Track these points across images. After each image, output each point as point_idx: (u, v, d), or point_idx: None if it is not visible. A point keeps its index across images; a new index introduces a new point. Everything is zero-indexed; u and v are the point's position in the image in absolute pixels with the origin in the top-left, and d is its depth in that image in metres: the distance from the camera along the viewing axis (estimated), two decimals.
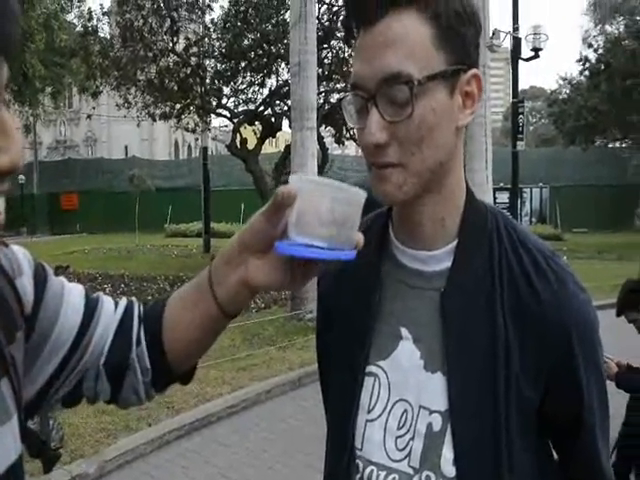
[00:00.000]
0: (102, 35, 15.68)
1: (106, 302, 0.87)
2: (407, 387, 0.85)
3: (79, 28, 17.44)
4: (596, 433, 0.84)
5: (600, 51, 23.09)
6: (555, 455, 0.89)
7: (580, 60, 23.38)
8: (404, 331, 0.87)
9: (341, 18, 0.85)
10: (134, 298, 0.91)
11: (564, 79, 26.64)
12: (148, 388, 0.86)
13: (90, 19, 15.66)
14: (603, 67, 22.02)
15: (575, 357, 0.80)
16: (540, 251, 0.84)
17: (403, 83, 0.74)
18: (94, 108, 21.91)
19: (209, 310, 0.80)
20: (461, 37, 0.78)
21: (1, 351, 0.68)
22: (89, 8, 16.18)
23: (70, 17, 20.40)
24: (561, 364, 0.80)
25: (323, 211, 0.69)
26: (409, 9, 0.75)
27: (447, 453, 0.80)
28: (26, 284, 0.76)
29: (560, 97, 26.43)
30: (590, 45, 24.28)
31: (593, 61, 22.94)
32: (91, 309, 0.84)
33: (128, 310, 0.87)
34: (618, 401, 2.91)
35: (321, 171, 12.57)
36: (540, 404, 0.81)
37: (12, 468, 0.66)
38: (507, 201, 18.01)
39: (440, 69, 0.76)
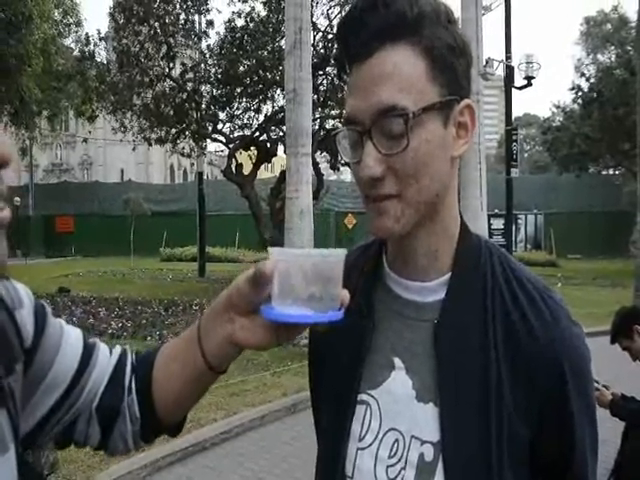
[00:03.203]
0: (99, 60, 15.85)
1: (102, 348, 0.88)
2: (399, 417, 0.85)
3: (76, 53, 17.63)
4: (587, 469, 0.84)
5: (592, 80, 23.43)
6: None
7: (573, 88, 23.71)
8: (397, 361, 0.87)
9: (333, 53, 0.86)
10: (127, 346, 0.93)
11: (557, 107, 26.95)
12: (136, 437, 0.86)
13: (87, 44, 15.84)
14: (595, 95, 22.32)
15: (567, 391, 0.80)
16: (535, 287, 0.84)
17: (398, 116, 0.75)
18: (90, 132, 22.08)
19: (196, 363, 0.80)
20: (454, 69, 0.79)
21: (0, 383, 0.69)
22: (86, 33, 16.37)
23: (67, 42, 20.61)
24: (553, 399, 0.80)
25: (304, 281, 0.69)
26: (402, 43, 0.76)
27: None
28: (26, 317, 0.77)
29: (553, 125, 26.71)
30: (582, 74, 24.66)
31: (585, 90, 23.25)
32: (88, 353, 0.85)
33: (122, 358, 0.88)
34: (611, 428, 2.91)
35: (316, 197, 12.62)
36: (532, 439, 0.80)
37: None
38: (502, 227, 18.08)
39: (434, 101, 0.77)
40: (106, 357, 0.87)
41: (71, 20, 20.25)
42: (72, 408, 0.82)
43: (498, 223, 18.70)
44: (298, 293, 0.70)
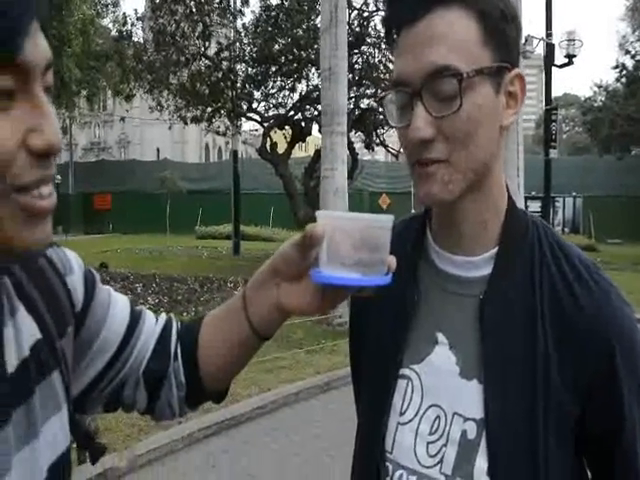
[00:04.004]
0: (136, 39, 16.01)
1: (148, 315, 0.91)
2: (441, 393, 0.84)
3: (114, 33, 17.85)
4: (637, 452, 0.81)
5: (638, 57, 22.66)
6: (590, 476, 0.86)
7: (616, 67, 23.02)
8: (440, 336, 0.86)
9: (382, 17, 0.85)
10: (172, 314, 0.95)
11: (599, 86, 26.21)
12: (182, 403, 0.89)
13: (125, 24, 16.02)
14: None
15: (618, 371, 0.77)
16: (584, 264, 0.82)
17: (451, 76, 0.73)
18: (127, 111, 22.36)
19: (242, 331, 0.82)
20: (505, 35, 0.77)
21: (53, 344, 0.72)
22: (124, 13, 16.56)
23: (105, 22, 20.85)
24: (603, 378, 0.78)
25: (352, 246, 0.69)
26: (455, 6, 0.75)
27: (481, 462, 0.79)
28: (76, 282, 0.80)
29: (595, 105, 26.00)
30: (627, 51, 23.84)
31: (630, 68, 22.54)
32: (135, 319, 0.88)
33: (168, 325, 0.90)
34: None
35: (351, 176, 12.59)
36: (579, 415, 0.79)
37: (62, 457, 0.70)
38: (539, 210, 17.76)
39: (487, 64, 0.76)
40: (152, 324, 0.89)
41: (109, 0, 20.43)
42: (120, 373, 0.85)
43: (535, 206, 18.39)
44: (346, 257, 0.69)
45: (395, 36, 0.80)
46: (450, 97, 0.74)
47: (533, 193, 18.17)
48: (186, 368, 0.87)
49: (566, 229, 24.27)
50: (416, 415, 0.86)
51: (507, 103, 0.80)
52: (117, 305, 0.86)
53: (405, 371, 0.88)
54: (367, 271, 0.70)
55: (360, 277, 0.70)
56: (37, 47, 0.55)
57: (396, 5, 0.79)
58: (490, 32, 0.76)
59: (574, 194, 24.73)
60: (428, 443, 0.84)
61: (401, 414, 0.87)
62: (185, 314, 8.92)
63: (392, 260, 0.72)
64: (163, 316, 0.93)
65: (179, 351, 0.88)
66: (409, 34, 0.77)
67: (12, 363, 0.65)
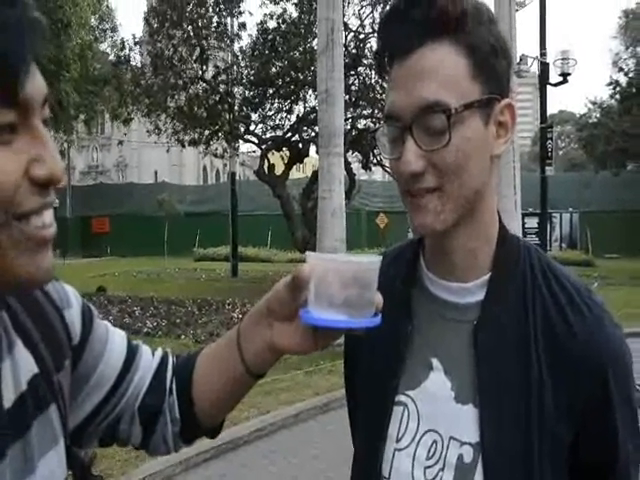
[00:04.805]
0: (134, 64, 16.16)
1: (145, 350, 0.91)
2: (437, 418, 0.84)
3: (112, 57, 17.99)
4: (630, 474, 0.82)
5: (631, 74, 22.88)
6: None
7: (610, 84, 23.22)
8: (435, 362, 0.87)
9: (375, 49, 0.86)
10: (169, 349, 0.95)
11: (594, 103, 26.41)
12: (176, 438, 0.88)
13: (123, 48, 16.17)
14: (634, 90, 21.80)
15: (611, 395, 0.78)
16: (575, 288, 0.83)
17: (440, 112, 0.75)
18: (125, 134, 22.44)
19: (236, 368, 0.82)
20: (494, 69, 0.79)
21: (50, 378, 0.72)
22: (122, 38, 16.74)
23: (103, 47, 21.06)
24: (596, 404, 0.79)
25: (342, 286, 0.70)
26: (445, 40, 0.76)
27: None
28: (74, 316, 0.80)
29: (590, 121, 26.20)
30: (620, 69, 24.08)
31: (624, 84, 22.73)
32: (132, 354, 0.88)
33: (164, 360, 0.91)
34: None
35: (348, 196, 12.62)
36: (573, 443, 0.79)
37: None
38: (536, 226, 17.72)
39: (476, 98, 0.77)
40: (149, 359, 0.89)
41: (107, 26, 20.69)
42: (116, 408, 0.84)
43: (532, 222, 18.34)
44: (334, 297, 0.70)
45: (387, 67, 0.81)
46: (440, 132, 0.76)
47: (530, 210, 18.16)
48: (181, 404, 0.86)
49: (563, 245, 24.29)
50: (413, 441, 0.86)
51: (497, 133, 0.81)
52: (115, 340, 0.86)
53: (401, 397, 0.88)
54: (355, 312, 0.70)
55: (348, 319, 0.70)
56: (35, 83, 0.58)
57: (389, 37, 0.81)
58: (480, 66, 0.77)
59: (571, 210, 24.80)
60: (425, 468, 0.84)
61: (397, 440, 0.87)
62: (183, 337, 8.87)
63: (379, 299, 0.73)
64: (159, 351, 0.93)
65: (174, 386, 0.88)
66: (401, 67, 0.78)
67: (9, 397, 0.65)
